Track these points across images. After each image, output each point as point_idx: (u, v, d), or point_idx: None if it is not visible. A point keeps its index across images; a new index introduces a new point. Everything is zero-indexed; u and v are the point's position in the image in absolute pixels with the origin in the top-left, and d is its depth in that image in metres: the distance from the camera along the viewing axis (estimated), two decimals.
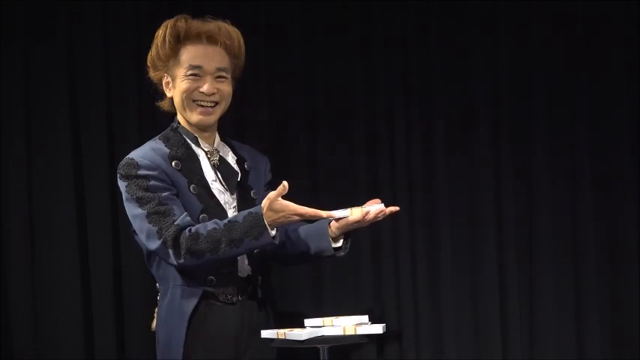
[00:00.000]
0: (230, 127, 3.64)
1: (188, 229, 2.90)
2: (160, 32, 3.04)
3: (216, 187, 3.02)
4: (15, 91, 3.63)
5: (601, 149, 3.67)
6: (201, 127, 3.05)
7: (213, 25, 3.03)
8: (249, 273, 3.00)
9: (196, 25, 3.02)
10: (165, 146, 3.02)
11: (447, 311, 3.64)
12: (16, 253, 3.61)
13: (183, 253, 2.88)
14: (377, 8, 3.68)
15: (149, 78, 3.09)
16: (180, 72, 3.01)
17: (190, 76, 3.00)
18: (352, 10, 3.67)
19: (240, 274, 2.99)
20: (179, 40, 3.02)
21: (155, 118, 3.64)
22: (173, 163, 2.98)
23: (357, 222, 2.89)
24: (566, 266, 3.67)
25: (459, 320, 3.65)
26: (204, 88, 2.99)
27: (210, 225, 2.89)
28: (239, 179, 3.04)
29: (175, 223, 2.89)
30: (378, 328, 2.73)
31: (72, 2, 3.63)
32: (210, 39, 3.01)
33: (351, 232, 2.98)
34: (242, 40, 3.06)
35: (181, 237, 2.89)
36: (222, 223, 2.90)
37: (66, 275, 3.60)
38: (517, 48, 3.68)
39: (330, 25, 3.67)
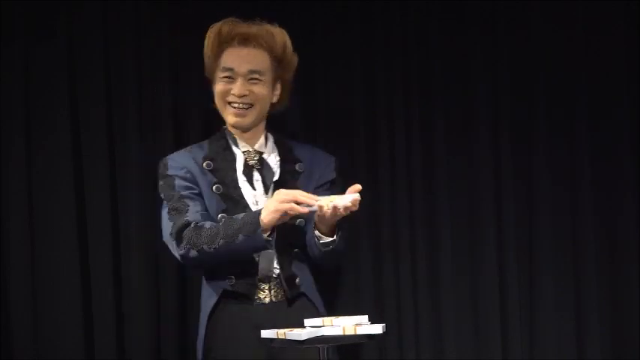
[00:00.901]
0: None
1: (194, 223, 2.94)
2: (207, 36, 3.10)
3: (247, 188, 3.02)
4: (15, 91, 3.62)
5: (601, 149, 3.67)
6: (240, 129, 3.09)
7: (254, 28, 3.07)
8: (275, 275, 3.01)
9: (236, 28, 3.06)
10: (208, 147, 3.12)
11: (447, 311, 3.64)
12: (16, 253, 3.60)
13: (184, 244, 2.97)
14: (377, 8, 3.68)
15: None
16: (218, 75, 3.08)
17: (224, 79, 3.06)
18: (352, 10, 3.67)
19: (262, 275, 3.00)
20: (220, 44, 3.08)
21: (155, 118, 3.65)
22: (204, 164, 3.08)
23: (333, 214, 2.86)
24: (566, 266, 3.67)
25: (458, 320, 3.65)
26: (235, 90, 3.04)
27: (218, 221, 2.92)
28: (275, 180, 3.06)
29: (185, 217, 2.97)
30: (377, 328, 2.73)
31: (72, 2, 3.62)
32: (244, 41, 3.05)
33: (344, 221, 2.97)
34: (288, 42, 3.10)
35: (186, 230, 2.97)
36: (226, 219, 2.93)
37: (66, 275, 3.60)
38: (517, 48, 3.68)
39: (330, 25, 3.67)
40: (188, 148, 3.18)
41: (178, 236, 2.99)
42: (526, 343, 3.65)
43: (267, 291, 3.04)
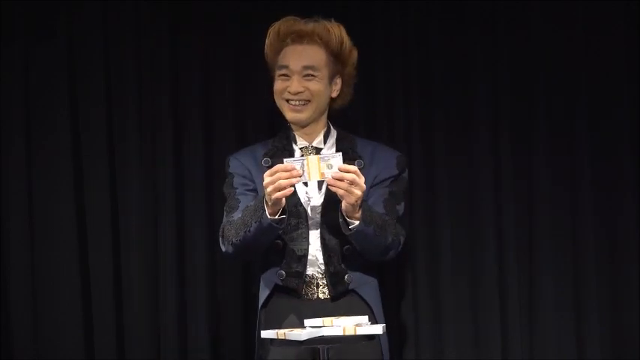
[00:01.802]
0: (230, 127, 3.66)
1: (230, 217, 2.98)
2: (266, 35, 3.12)
3: (299, 184, 3.01)
4: (15, 91, 3.62)
5: (601, 149, 3.67)
6: (298, 124, 3.12)
7: (310, 25, 3.08)
8: (322, 271, 3.03)
9: (293, 26, 3.08)
10: (271, 144, 3.16)
11: (447, 311, 3.64)
12: (15, 253, 3.60)
13: (223, 241, 3.05)
14: (377, 8, 3.68)
15: None
16: (275, 72, 3.11)
17: (280, 77, 3.09)
18: (352, 10, 3.67)
19: (309, 271, 3.03)
20: (279, 42, 3.10)
21: (155, 118, 3.65)
22: (263, 161, 3.11)
23: (345, 194, 2.84)
24: (566, 266, 3.67)
25: (458, 320, 3.64)
26: (291, 87, 3.07)
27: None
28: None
29: (233, 214, 3.03)
30: (377, 329, 2.73)
31: (72, 2, 3.62)
32: (299, 38, 3.07)
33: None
34: (346, 36, 3.11)
35: (224, 226, 3.05)
36: (245, 207, 2.99)
37: (66, 275, 3.60)
38: (517, 48, 3.68)
39: None
40: (253, 145, 3.23)
41: (221, 233, 3.06)
42: (526, 343, 3.65)
43: (314, 287, 3.05)
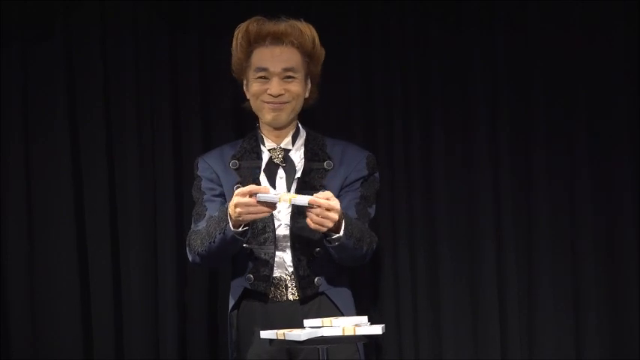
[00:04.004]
0: (230, 127, 3.65)
1: (194, 226, 2.97)
2: (234, 36, 3.08)
3: (266, 184, 3.04)
4: (13, 90, 3.62)
5: (601, 149, 3.67)
6: (276, 126, 3.08)
7: (282, 25, 3.05)
8: (290, 274, 3.02)
9: (265, 26, 3.05)
10: (240, 145, 3.14)
11: (446, 311, 3.63)
12: (14, 252, 3.60)
13: (189, 250, 3.05)
14: (376, 8, 3.67)
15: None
16: (251, 75, 3.07)
17: (258, 79, 3.05)
18: (351, 10, 3.66)
19: (277, 274, 3.02)
20: (250, 44, 3.07)
21: (154, 117, 3.65)
22: (230, 163, 3.09)
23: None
24: (566, 266, 3.67)
25: (458, 320, 3.64)
26: (272, 90, 3.03)
27: None
28: (297, 177, 3.06)
29: (199, 222, 3.03)
30: (377, 329, 2.73)
31: (70, 2, 3.62)
32: (276, 39, 3.04)
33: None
34: (317, 37, 3.09)
35: (189, 236, 3.06)
36: (210, 217, 2.98)
37: (64, 275, 3.60)
38: (516, 48, 3.68)
39: (329, 25, 3.66)
40: (222, 146, 3.22)
41: (187, 243, 3.06)
42: (525, 343, 3.65)
43: (283, 289, 3.04)
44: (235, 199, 2.85)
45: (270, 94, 3.05)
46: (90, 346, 3.62)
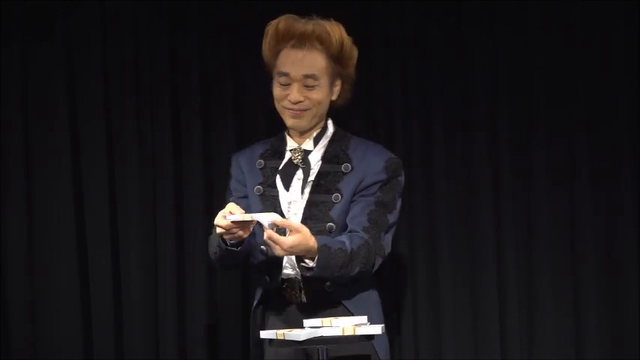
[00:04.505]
0: (230, 128, 3.65)
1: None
2: (265, 32, 3.01)
3: (282, 188, 3.01)
4: (14, 90, 3.62)
5: (601, 149, 3.67)
6: (297, 130, 3.04)
7: (310, 26, 2.97)
8: (296, 276, 2.98)
9: (294, 26, 2.97)
10: (270, 144, 3.09)
11: (446, 311, 3.63)
12: (14, 252, 3.60)
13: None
14: (375, 8, 3.67)
15: None
16: (275, 76, 3.01)
17: (280, 83, 2.98)
18: (351, 10, 3.66)
19: (290, 275, 2.98)
20: (278, 42, 2.99)
21: (154, 118, 3.65)
22: (257, 163, 3.05)
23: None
24: (566, 266, 3.67)
25: (457, 320, 3.64)
26: (291, 97, 2.97)
27: None
28: (311, 180, 2.99)
29: None
30: (377, 329, 2.73)
31: (70, 2, 3.62)
32: (300, 42, 2.96)
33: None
34: (346, 37, 3.00)
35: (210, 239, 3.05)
36: None
37: (64, 275, 3.60)
38: (516, 48, 3.68)
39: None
40: (255, 144, 3.16)
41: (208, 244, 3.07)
42: (525, 343, 3.65)
43: (297, 291, 3.01)
44: (215, 220, 2.82)
45: (290, 100, 2.98)
46: (90, 346, 3.62)
